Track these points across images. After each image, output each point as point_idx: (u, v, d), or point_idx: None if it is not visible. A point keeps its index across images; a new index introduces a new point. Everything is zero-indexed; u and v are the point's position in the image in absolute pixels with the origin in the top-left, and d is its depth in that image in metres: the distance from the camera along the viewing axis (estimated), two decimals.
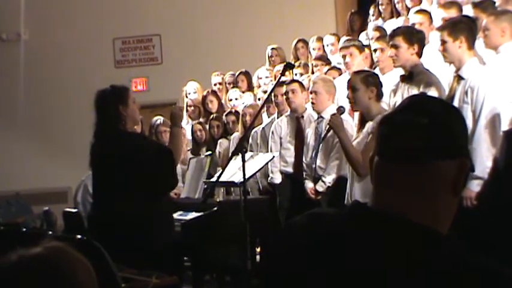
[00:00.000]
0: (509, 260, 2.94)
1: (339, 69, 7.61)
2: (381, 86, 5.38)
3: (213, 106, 8.76)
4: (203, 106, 8.87)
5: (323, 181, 6.23)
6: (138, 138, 5.04)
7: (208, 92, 9.00)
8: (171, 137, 5.25)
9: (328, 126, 5.58)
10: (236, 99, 8.63)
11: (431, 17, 6.95)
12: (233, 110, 8.28)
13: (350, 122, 6.09)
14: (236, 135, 7.74)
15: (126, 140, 4.87)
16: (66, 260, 1.49)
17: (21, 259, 1.45)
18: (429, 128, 1.52)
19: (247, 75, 9.27)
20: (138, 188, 4.74)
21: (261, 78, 8.81)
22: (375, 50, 6.44)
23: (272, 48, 9.43)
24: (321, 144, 6.18)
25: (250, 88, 9.06)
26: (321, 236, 1.55)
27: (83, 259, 1.52)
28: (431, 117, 1.53)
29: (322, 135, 6.07)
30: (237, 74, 9.42)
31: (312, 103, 6.45)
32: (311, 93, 6.45)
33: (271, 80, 8.51)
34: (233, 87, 9.24)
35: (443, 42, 5.16)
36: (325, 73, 7.45)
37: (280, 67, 8.07)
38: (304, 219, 1.63)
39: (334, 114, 5.51)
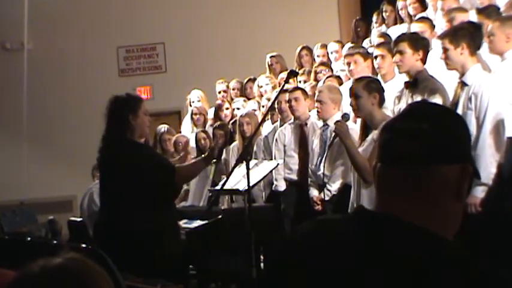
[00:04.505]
0: None
1: (338, 76, 7.60)
2: (383, 91, 5.36)
3: (228, 114, 8.73)
4: (217, 114, 8.83)
5: (328, 190, 6.21)
6: (142, 148, 5.05)
7: (223, 100, 9.02)
8: (195, 164, 5.31)
9: (334, 133, 5.56)
10: (238, 108, 8.62)
11: (433, 25, 6.95)
12: (237, 119, 8.28)
13: (355, 128, 6.07)
14: (234, 144, 7.73)
15: (131, 148, 4.89)
16: (88, 271, 1.49)
17: (44, 270, 1.45)
18: (429, 132, 1.54)
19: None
20: (141, 196, 4.76)
21: (261, 86, 8.76)
22: (376, 57, 6.37)
23: (271, 56, 9.42)
24: (326, 152, 6.16)
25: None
26: (323, 239, 1.57)
27: (102, 270, 1.53)
28: (432, 122, 1.56)
29: (328, 143, 6.03)
30: (245, 81, 9.42)
31: (318, 112, 6.42)
32: (316, 102, 6.42)
33: (273, 88, 8.50)
34: (241, 94, 9.24)
35: (445, 49, 5.16)
36: (324, 81, 7.44)
37: (284, 74, 8.08)
38: (309, 225, 1.65)
39: (339, 121, 5.48)
